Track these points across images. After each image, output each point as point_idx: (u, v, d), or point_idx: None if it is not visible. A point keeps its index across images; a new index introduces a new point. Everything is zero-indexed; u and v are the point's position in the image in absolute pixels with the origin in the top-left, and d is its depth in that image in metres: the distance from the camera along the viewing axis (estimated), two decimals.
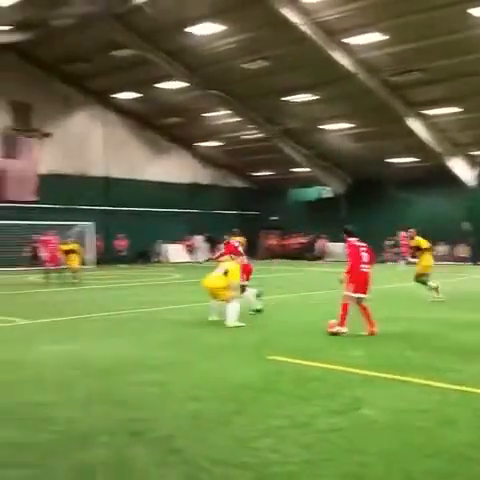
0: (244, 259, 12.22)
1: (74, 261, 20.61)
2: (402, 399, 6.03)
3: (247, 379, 6.82)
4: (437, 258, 18.15)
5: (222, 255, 12.60)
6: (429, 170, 31.94)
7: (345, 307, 9.53)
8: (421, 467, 4.33)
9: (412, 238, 15.35)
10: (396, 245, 30.66)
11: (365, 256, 9.74)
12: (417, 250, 14.88)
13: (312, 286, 19.19)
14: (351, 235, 10.05)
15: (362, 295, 9.61)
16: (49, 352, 8.44)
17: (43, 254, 21.31)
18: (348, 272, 9.60)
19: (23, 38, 26.12)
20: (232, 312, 10.53)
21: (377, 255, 13.47)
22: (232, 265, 11.10)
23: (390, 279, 19.90)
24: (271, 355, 8.01)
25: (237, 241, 13.08)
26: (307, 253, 36.69)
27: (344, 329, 9.47)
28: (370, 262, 9.78)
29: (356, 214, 35.35)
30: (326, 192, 39.22)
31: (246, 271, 12.07)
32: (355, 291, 9.55)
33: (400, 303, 14.36)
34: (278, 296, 15.81)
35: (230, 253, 12.01)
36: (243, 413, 5.57)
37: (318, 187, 39.51)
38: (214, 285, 10.81)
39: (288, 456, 4.52)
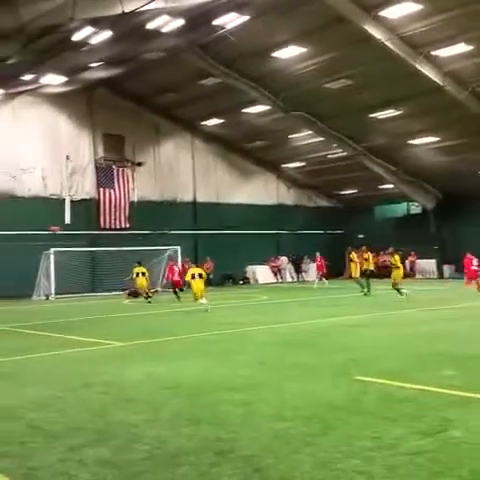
0: None
1: (142, 282, 23.62)
2: None
3: (333, 399, 6.77)
4: None
5: None
6: None
7: None
8: None
9: None
10: None
11: None
12: None
13: (401, 305, 18.70)
14: None
15: None
16: (140, 373, 8.71)
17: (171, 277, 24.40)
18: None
19: (115, 73, 27.50)
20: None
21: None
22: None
23: None
24: (358, 375, 7.90)
25: None
26: None
27: None
28: None
29: (446, 230, 34.30)
30: (415, 208, 38.26)
31: None
32: None
33: None
34: (366, 315, 15.55)
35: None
36: (328, 434, 5.53)
37: (406, 203, 38.64)
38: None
39: (374, 478, 4.44)
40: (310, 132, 32.37)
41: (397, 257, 20.86)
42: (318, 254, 31.12)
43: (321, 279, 30.33)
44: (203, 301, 18.38)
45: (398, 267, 20.57)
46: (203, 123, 33.80)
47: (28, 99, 29.50)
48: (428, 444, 5.12)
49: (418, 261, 34.89)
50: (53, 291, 27.82)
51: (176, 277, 23.98)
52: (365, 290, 22.62)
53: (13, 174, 29.26)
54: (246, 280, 35.79)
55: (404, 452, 4.94)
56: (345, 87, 26.78)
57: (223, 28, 22.70)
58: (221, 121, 33.06)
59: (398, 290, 19.95)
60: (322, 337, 11.96)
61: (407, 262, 36.00)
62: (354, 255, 24.08)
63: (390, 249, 21.83)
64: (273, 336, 12.33)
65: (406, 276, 34.62)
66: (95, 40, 21.60)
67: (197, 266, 21.63)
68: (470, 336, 11.53)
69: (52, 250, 28.15)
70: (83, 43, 21.95)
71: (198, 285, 18.63)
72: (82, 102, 31.35)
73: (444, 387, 7.10)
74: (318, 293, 25.08)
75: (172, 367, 9.18)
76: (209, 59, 26.64)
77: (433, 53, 23.51)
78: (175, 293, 23.10)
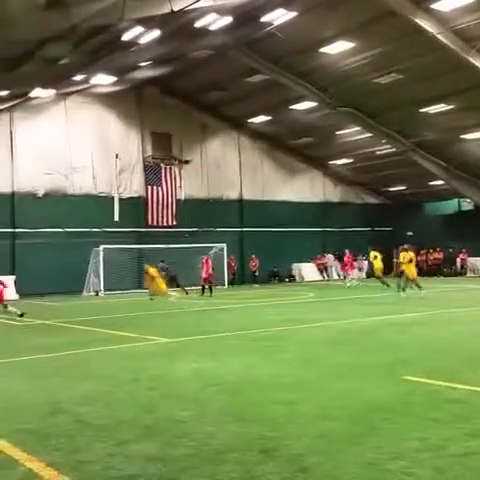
0: None
1: (156, 285, 23.60)
2: None
3: (380, 400, 6.68)
4: None
5: None
6: None
7: None
8: None
9: None
10: None
11: None
12: None
13: (455, 303, 18.30)
14: None
15: None
16: (187, 370, 8.78)
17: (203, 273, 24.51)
18: None
19: (163, 72, 27.78)
20: None
21: None
22: None
23: None
24: (406, 375, 7.77)
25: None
26: (446, 269, 35.10)
27: None
28: None
29: None
30: (466, 204, 37.38)
31: None
32: None
33: None
34: (415, 314, 15.29)
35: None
36: (375, 434, 5.46)
37: (457, 200, 37.79)
38: None
39: (421, 479, 4.37)
40: (358, 128, 32.00)
41: (405, 254, 20.35)
42: (347, 251, 30.00)
43: (345, 278, 29.45)
44: None
45: (406, 264, 20.18)
46: (250, 120, 33.80)
47: (79, 99, 30.12)
48: (477, 446, 5.00)
49: (469, 259, 34.07)
50: (102, 287, 28.36)
51: (204, 274, 24.62)
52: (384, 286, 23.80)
53: (65, 173, 29.93)
54: (292, 278, 35.68)
55: (452, 454, 4.84)
56: (395, 81, 26.35)
57: (271, 25, 22.63)
58: (268, 118, 32.99)
59: (405, 288, 19.86)
60: (369, 335, 11.82)
61: (458, 260, 35.27)
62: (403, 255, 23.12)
63: (405, 246, 21.07)
64: (321, 334, 12.24)
65: (457, 274, 34.08)
66: (144, 39, 21.83)
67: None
68: None
69: (102, 247, 28.67)
70: (132, 43, 22.23)
71: None
72: (131, 101, 31.80)
73: None
74: (363, 291, 24.77)
75: (218, 364, 9.23)
76: (256, 56, 26.63)
77: None
78: (202, 289, 24.02)
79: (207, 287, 24.55)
